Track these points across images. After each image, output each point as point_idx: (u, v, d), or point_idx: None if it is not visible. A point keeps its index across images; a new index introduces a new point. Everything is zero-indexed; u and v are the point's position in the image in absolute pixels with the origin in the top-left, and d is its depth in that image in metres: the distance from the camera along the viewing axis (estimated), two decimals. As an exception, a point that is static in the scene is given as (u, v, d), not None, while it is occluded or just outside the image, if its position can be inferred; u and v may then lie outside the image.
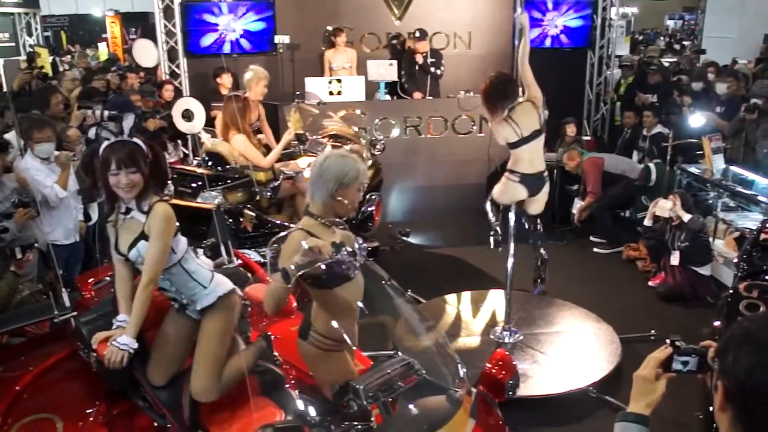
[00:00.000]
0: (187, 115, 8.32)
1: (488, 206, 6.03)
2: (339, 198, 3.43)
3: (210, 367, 3.62)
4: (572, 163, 9.02)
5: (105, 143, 3.47)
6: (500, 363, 3.33)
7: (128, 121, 3.58)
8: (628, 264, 8.42)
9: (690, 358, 2.07)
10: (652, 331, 6.49)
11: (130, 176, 3.42)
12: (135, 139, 3.53)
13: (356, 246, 3.29)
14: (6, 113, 7.51)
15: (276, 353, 4.01)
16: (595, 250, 8.82)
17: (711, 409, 2.09)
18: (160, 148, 3.79)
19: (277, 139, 7.72)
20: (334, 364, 3.47)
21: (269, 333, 4.01)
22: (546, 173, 5.89)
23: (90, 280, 4.88)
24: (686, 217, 7.22)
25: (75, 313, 4.11)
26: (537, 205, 6.02)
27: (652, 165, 9.06)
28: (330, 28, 10.46)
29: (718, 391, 1.74)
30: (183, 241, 3.66)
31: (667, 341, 2.13)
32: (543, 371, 5.73)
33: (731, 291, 5.53)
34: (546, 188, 5.92)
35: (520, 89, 5.77)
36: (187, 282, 3.62)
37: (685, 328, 6.60)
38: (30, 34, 19.02)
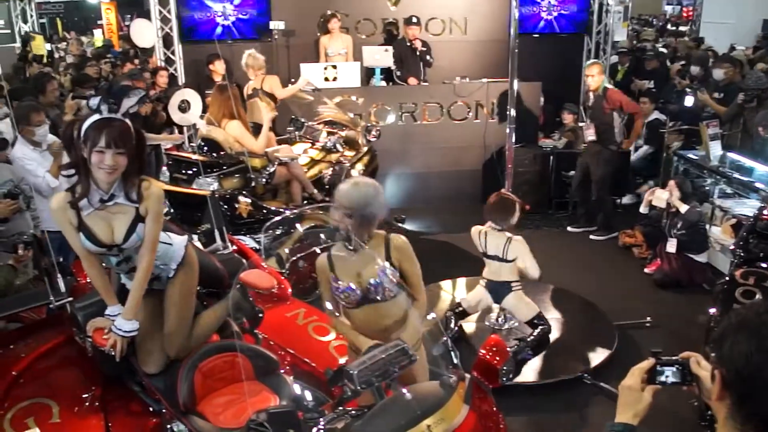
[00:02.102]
0: (183, 107, 8.30)
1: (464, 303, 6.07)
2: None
3: (186, 325, 3.69)
4: (595, 79, 8.50)
5: (94, 117, 3.25)
6: (494, 349, 3.32)
7: (131, 99, 3.38)
8: (624, 251, 8.42)
9: (673, 369, 2.07)
10: (648, 318, 6.52)
11: (117, 157, 3.21)
12: (126, 120, 3.32)
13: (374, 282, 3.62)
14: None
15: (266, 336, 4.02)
16: (591, 237, 8.81)
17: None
18: (147, 133, 3.65)
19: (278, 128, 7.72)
20: None
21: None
22: (514, 284, 5.85)
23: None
24: (683, 207, 7.20)
25: (71, 299, 4.09)
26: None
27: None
28: (329, 12, 10.40)
29: (716, 380, 1.74)
30: None
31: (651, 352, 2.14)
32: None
33: (727, 278, 5.55)
34: (512, 298, 5.85)
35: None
36: (159, 248, 3.57)
37: (681, 316, 6.65)
38: (25, 21, 18.94)
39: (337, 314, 3.77)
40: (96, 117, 3.24)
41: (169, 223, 4.23)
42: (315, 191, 7.46)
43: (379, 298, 3.64)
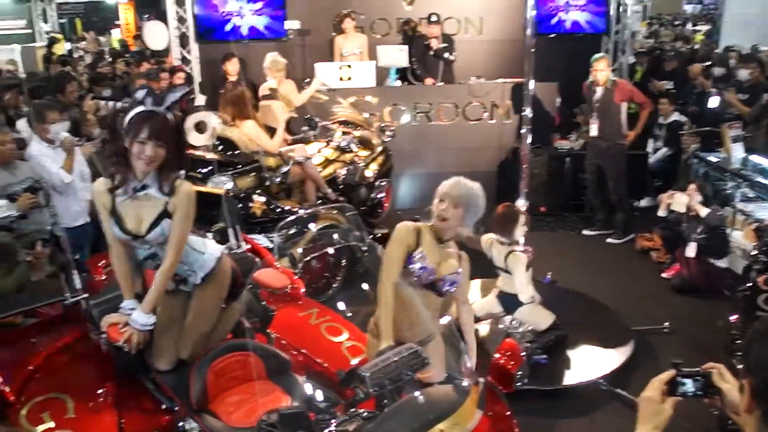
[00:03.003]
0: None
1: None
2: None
3: (202, 334, 3.71)
4: (603, 73, 8.46)
5: (138, 109, 3.36)
6: (509, 353, 3.29)
7: (175, 94, 3.47)
8: (641, 254, 8.34)
9: (694, 380, 2.03)
10: (666, 324, 6.44)
11: (156, 149, 3.31)
12: (168, 114, 3.41)
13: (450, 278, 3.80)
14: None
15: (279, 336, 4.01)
16: (608, 240, 8.73)
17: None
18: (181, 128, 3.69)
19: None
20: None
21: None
22: (529, 298, 5.77)
23: (101, 263, 4.89)
24: (704, 212, 7.11)
25: (86, 295, 4.12)
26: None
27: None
28: (343, 12, 10.38)
29: (745, 391, 1.69)
30: None
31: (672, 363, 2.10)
32: (553, 362, 5.67)
33: (749, 285, 5.46)
34: (525, 309, 5.78)
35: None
36: (188, 253, 3.60)
37: (700, 322, 6.55)
38: (45, 21, 19.08)
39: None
40: (140, 109, 3.35)
41: (247, 254, 4.43)
42: (329, 191, 7.43)
43: (442, 292, 3.80)
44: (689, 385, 2.03)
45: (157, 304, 3.58)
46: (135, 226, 3.45)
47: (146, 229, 3.44)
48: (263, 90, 8.37)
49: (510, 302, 5.80)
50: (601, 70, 8.38)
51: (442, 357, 3.61)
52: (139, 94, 3.37)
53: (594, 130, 8.54)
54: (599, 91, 8.50)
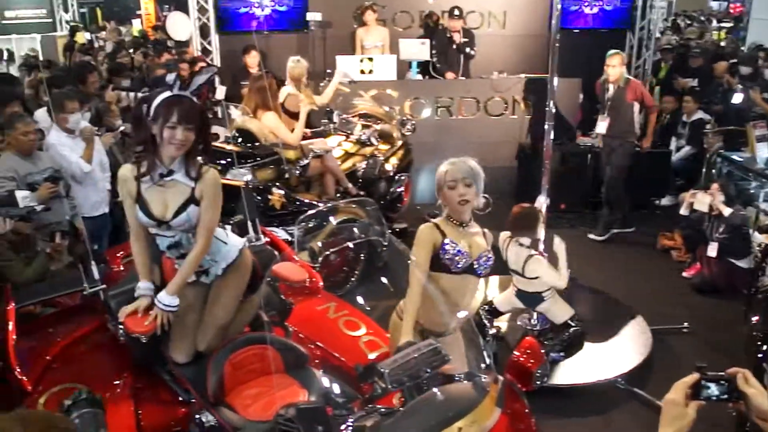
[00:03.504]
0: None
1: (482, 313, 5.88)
2: (442, 200, 3.93)
3: (221, 326, 3.72)
4: (616, 70, 8.30)
5: (165, 94, 3.37)
6: (529, 351, 3.26)
7: (202, 77, 3.48)
8: (662, 253, 8.27)
9: (718, 385, 2.00)
10: (685, 324, 6.40)
11: (186, 133, 3.34)
12: (194, 97, 3.45)
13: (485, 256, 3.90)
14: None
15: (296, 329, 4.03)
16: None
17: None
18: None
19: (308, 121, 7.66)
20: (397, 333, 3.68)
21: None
22: (546, 293, 5.71)
23: (119, 254, 4.91)
24: (726, 211, 7.03)
25: (104, 286, 4.13)
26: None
27: None
28: (365, 4, 10.35)
29: None
30: None
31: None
32: (571, 360, 5.62)
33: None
34: (545, 305, 5.75)
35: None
36: (212, 243, 3.61)
37: (720, 322, 6.51)
38: (66, 10, 19.13)
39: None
40: (167, 94, 3.37)
41: (266, 247, 4.48)
42: (350, 185, 7.41)
43: (479, 272, 3.88)
44: (713, 389, 2.00)
45: (183, 285, 3.59)
46: (161, 212, 3.47)
47: (172, 215, 3.45)
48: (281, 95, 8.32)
49: (529, 300, 5.75)
50: (613, 67, 8.23)
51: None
52: (170, 78, 3.46)
53: (603, 127, 8.41)
54: (611, 89, 8.37)
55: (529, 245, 5.67)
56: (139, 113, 3.46)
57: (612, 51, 8.40)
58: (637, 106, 8.54)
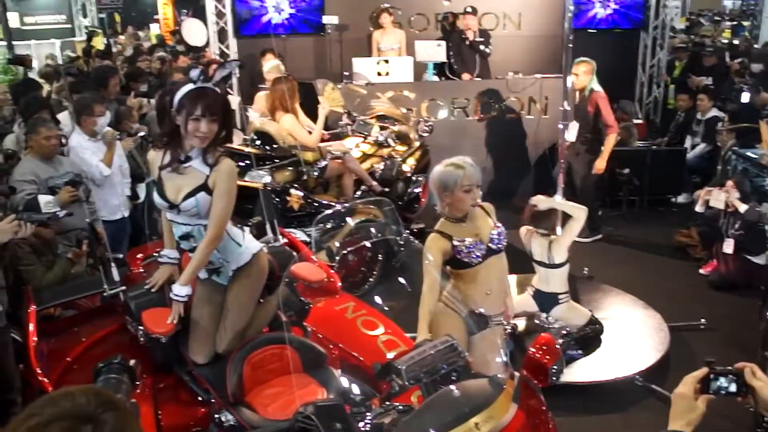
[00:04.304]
0: None
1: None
2: (448, 201, 4.09)
3: (238, 330, 3.76)
4: (582, 78, 7.95)
5: (188, 87, 3.42)
6: (545, 347, 3.28)
7: (225, 70, 3.54)
8: (678, 250, 8.25)
9: (727, 379, 2.05)
10: (702, 320, 6.39)
11: (210, 124, 3.39)
12: (217, 89, 3.48)
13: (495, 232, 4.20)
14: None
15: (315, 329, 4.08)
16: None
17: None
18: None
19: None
20: (449, 322, 3.84)
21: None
22: (562, 296, 5.73)
23: (139, 256, 4.97)
24: (742, 207, 7.01)
25: (124, 288, 4.17)
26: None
27: None
28: (383, 6, 10.40)
29: None
30: None
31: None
32: (588, 357, 5.65)
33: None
34: (561, 308, 5.75)
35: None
36: (226, 242, 3.66)
37: (737, 319, 6.49)
38: (85, 16, 19.30)
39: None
40: (190, 87, 3.42)
41: (284, 248, 4.58)
42: (374, 183, 7.46)
43: (500, 249, 4.18)
44: (722, 383, 2.04)
45: (194, 275, 3.67)
46: (173, 195, 3.54)
47: (182, 198, 3.51)
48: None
49: (546, 301, 5.77)
50: (577, 75, 7.88)
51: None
52: (194, 74, 3.44)
53: (571, 134, 7.81)
54: (578, 96, 8.10)
55: (548, 233, 5.74)
56: (162, 105, 3.53)
57: (580, 59, 8.09)
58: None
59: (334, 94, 8.25)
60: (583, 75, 7.98)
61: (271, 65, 8.64)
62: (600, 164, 8.15)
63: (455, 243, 4.01)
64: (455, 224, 4.10)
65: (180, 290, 3.62)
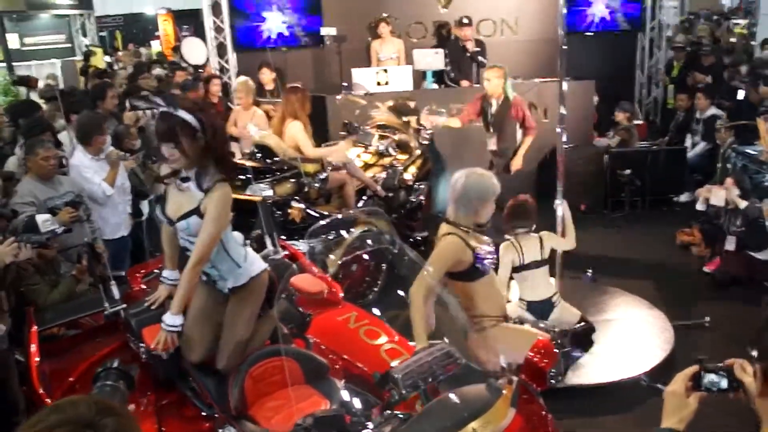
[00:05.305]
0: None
1: None
2: (480, 210, 4.14)
3: (237, 348, 3.74)
4: (495, 83, 7.64)
5: (160, 110, 3.45)
6: (542, 351, 3.30)
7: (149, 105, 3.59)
8: (682, 249, 8.26)
9: (718, 376, 2.07)
10: (707, 318, 6.39)
11: (170, 150, 3.38)
12: (181, 113, 3.36)
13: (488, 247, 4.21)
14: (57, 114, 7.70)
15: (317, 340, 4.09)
16: None
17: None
18: (220, 125, 3.74)
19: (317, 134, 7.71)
20: (509, 333, 4.03)
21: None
22: (555, 297, 5.58)
23: (140, 273, 4.99)
24: (742, 204, 7.02)
25: (124, 306, 4.19)
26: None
27: None
28: (381, 16, 10.44)
29: (758, 377, 1.72)
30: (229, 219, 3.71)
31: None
32: (594, 359, 5.65)
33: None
34: (556, 312, 5.54)
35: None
36: (223, 259, 3.66)
37: (741, 315, 6.47)
38: (85, 35, 19.39)
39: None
40: (161, 110, 3.44)
41: (283, 260, 4.57)
42: (378, 188, 7.49)
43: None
44: (713, 380, 2.06)
45: (185, 303, 3.65)
46: (172, 213, 3.58)
47: (177, 218, 3.55)
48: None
49: (543, 308, 5.57)
50: (488, 80, 7.64)
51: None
52: (158, 100, 3.49)
53: (492, 144, 7.79)
54: (494, 104, 7.74)
55: (529, 230, 5.59)
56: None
57: (490, 64, 7.92)
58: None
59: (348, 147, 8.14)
60: (496, 80, 7.60)
61: (239, 81, 8.73)
62: (516, 162, 7.79)
63: (478, 250, 4.09)
64: (469, 234, 4.14)
65: (172, 320, 3.60)
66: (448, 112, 8.50)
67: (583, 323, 5.60)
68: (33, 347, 3.95)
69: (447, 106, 9.60)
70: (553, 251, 5.74)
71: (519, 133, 7.82)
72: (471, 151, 9.66)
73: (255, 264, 3.81)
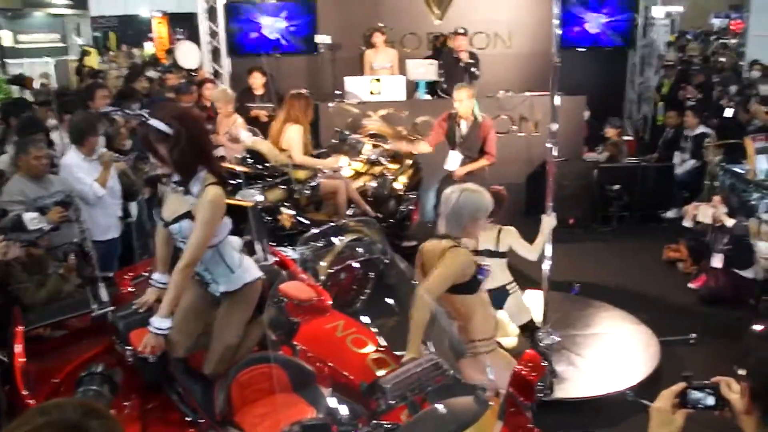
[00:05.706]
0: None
1: None
2: (471, 228, 4.09)
3: (225, 353, 3.77)
4: (463, 104, 7.43)
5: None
6: (530, 364, 3.30)
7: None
8: (668, 265, 8.31)
9: (704, 393, 2.08)
10: (693, 335, 6.40)
11: (153, 156, 3.50)
12: (152, 121, 3.41)
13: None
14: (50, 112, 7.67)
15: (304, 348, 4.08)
16: None
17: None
18: (199, 130, 3.67)
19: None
20: (504, 362, 3.98)
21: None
22: (510, 285, 5.55)
23: (128, 275, 4.96)
24: (729, 222, 7.08)
25: (112, 308, 4.17)
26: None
27: None
28: (376, 26, 10.46)
29: (743, 394, 1.73)
30: (227, 224, 3.72)
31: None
32: (580, 373, 5.68)
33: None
34: (510, 302, 5.52)
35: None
36: (217, 263, 3.69)
37: (727, 332, 6.50)
38: (79, 35, 19.35)
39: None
40: (134, 119, 3.48)
41: (273, 267, 4.51)
42: (368, 208, 7.47)
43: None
44: (699, 397, 2.07)
45: (174, 306, 3.65)
46: (167, 215, 3.65)
47: (171, 220, 3.61)
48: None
49: (498, 297, 5.37)
50: (460, 101, 7.42)
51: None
52: (135, 106, 3.58)
53: (454, 163, 7.54)
54: (464, 125, 7.54)
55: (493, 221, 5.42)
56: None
57: (459, 84, 7.77)
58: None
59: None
60: (467, 101, 7.43)
61: (219, 90, 8.74)
62: (459, 171, 7.45)
63: (483, 265, 4.10)
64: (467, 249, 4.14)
65: (161, 323, 3.60)
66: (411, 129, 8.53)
67: (531, 324, 5.58)
68: (18, 347, 3.91)
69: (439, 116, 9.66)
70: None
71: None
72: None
73: (249, 271, 3.83)
